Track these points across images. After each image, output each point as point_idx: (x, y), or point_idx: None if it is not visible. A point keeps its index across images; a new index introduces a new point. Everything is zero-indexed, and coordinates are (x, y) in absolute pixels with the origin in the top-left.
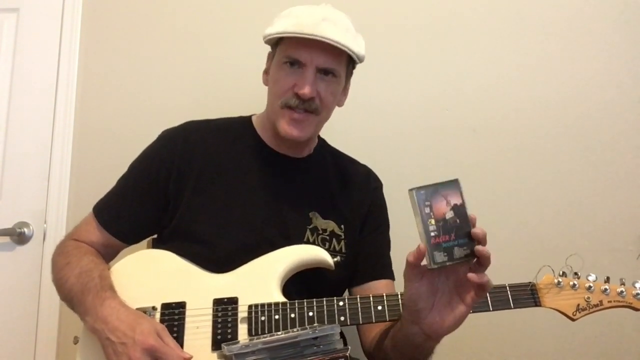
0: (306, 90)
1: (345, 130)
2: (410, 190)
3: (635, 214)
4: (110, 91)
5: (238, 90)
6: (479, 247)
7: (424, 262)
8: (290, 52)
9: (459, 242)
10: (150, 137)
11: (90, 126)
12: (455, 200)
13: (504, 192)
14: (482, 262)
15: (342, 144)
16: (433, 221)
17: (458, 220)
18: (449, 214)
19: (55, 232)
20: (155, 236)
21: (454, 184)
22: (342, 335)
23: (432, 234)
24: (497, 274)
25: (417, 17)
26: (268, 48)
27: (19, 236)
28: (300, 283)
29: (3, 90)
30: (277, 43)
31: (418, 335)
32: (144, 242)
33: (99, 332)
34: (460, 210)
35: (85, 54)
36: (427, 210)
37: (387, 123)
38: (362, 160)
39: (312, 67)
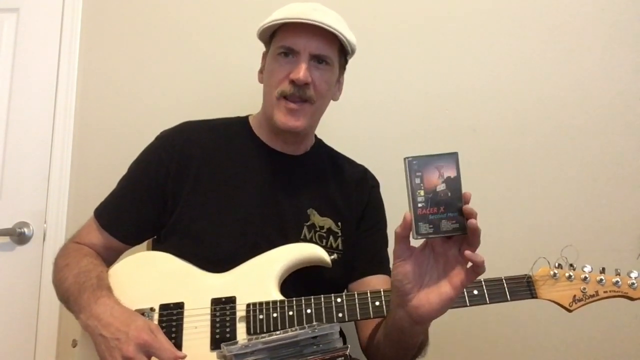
0: (301, 75)
1: (345, 130)
2: (405, 158)
3: (635, 214)
4: (110, 91)
5: (238, 90)
6: (471, 221)
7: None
8: (284, 41)
9: (447, 215)
10: (150, 137)
11: (90, 126)
12: (449, 173)
13: (504, 192)
14: (472, 240)
15: (341, 144)
16: (422, 192)
17: (449, 194)
18: (441, 187)
19: (55, 232)
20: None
21: (451, 157)
22: (341, 334)
23: (420, 205)
24: (497, 273)
25: (417, 17)
26: None
27: (19, 236)
28: (298, 281)
29: (3, 90)
30: (270, 38)
31: (404, 320)
32: (144, 243)
33: (91, 328)
34: (453, 184)
35: (85, 54)
36: (418, 180)
37: (387, 123)
38: (361, 160)
39: (306, 53)
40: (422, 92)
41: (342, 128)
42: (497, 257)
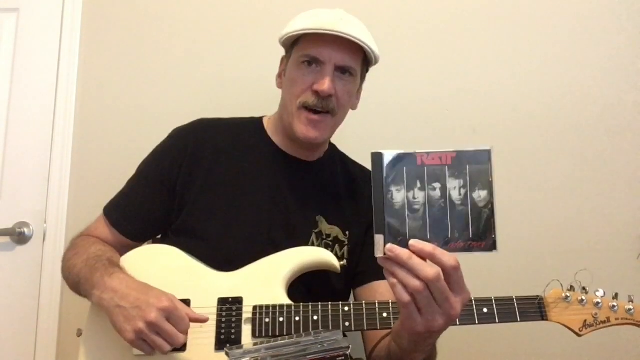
0: (325, 87)
1: (344, 130)
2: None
3: (635, 214)
4: (110, 91)
5: (239, 91)
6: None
7: None
8: (309, 51)
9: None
10: (149, 137)
11: (90, 126)
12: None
13: (503, 192)
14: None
15: (341, 144)
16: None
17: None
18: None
19: (55, 232)
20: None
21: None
22: (344, 335)
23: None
24: (493, 272)
25: (417, 18)
26: (269, 50)
27: (19, 236)
28: (302, 285)
29: (3, 90)
30: (293, 44)
31: (404, 338)
32: None
33: (107, 301)
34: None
35: (85, 54)
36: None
37: (387, 123)
38: (360, 161)
39: (331, 64)
40: (422, 92)
41: (341, 127)
42: (498, 259)
